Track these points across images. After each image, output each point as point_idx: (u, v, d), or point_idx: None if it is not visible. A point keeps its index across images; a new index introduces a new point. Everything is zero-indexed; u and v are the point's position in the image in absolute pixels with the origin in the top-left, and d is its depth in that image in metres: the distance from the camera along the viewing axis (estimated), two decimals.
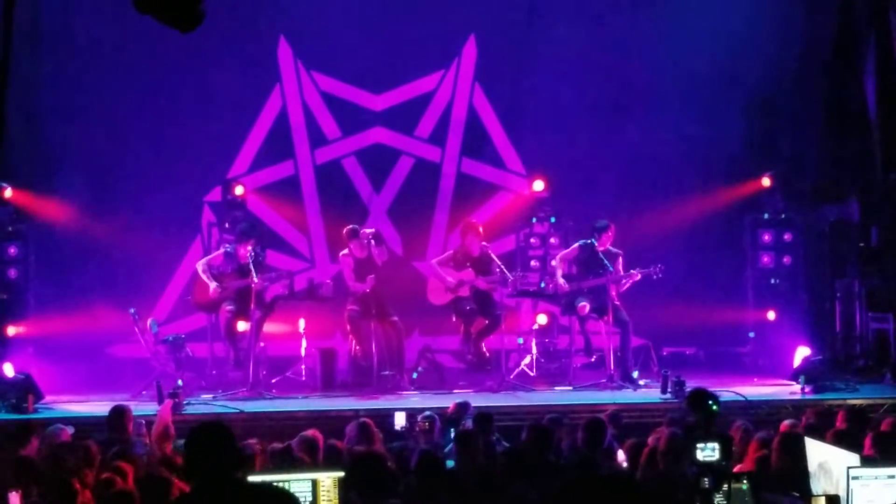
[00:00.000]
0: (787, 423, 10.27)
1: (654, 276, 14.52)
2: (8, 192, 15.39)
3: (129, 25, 13.59)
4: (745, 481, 6.88)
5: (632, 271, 14.54)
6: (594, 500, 4.26)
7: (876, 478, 7.17)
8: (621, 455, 9.58)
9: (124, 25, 14.77)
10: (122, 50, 16.06)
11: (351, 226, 14.90)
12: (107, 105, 16.30)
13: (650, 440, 9.51)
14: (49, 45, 16.27)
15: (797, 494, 7.84)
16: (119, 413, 10.55)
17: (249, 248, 14.26)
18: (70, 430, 10.35)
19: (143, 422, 10.92)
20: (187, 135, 16.57)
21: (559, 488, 4.37)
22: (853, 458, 7.46)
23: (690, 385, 13.18)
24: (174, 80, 16.56)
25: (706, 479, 6.53)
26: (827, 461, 7.72)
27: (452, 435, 10.37)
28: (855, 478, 7.14)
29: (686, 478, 7.12)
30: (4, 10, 4.86)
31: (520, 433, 9.98)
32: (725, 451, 6.62)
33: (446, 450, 10.04)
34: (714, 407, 6.92)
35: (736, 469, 8.02)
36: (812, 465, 7.94)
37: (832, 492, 7.43)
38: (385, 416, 11.51)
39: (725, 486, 6.59)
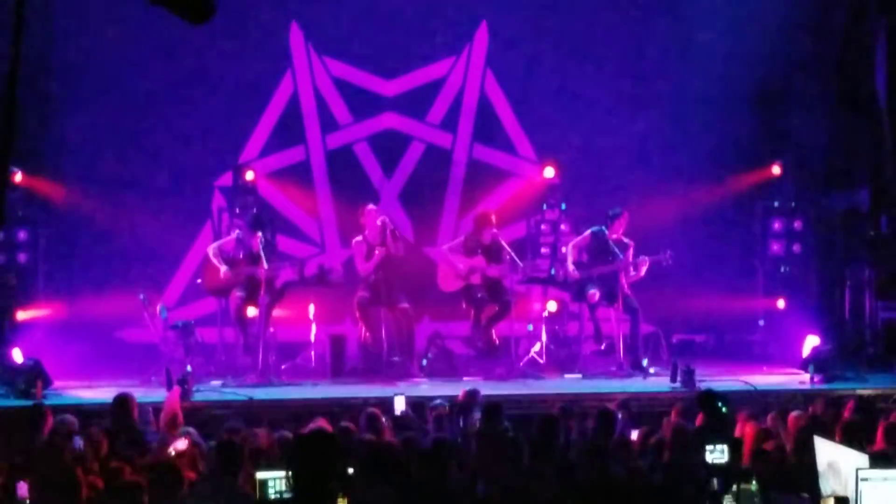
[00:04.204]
0: (794, 415, 10.17)
1: (664, 263, 14.48)
2: (18, 177, 15.31)
3: (140, 12, 13.53)
4: (753, 482, 6.84)
5: (641, 257, 14.53)
6: None
7: (885, 479, 7.09)
8: (635, 435, 9.46)
9: (136, 11, 14.72)
10: (134, 34, 15.92)
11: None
12: (118, 89, 16.22)
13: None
14: (60, 29, 16.19)
15: (807, 495, 7.79)
16: (122, 401, 10.36)
17: (260, 235, 14.23)
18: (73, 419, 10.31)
19: (150, 409, 10.90)
20: (198, 120, 16.58)
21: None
22: (862, 459, 7.38)
23: (700, 373, 13.24)
24: (185, 65, 16.51)
25: (715, 481, 6.51)
26: (836, 461, 7.62)
27: (461, 424, 10.35)
28: (864, 479, 7.07)
29: (693, 471, 7.09)
30: None
31: (529, 422, 9.93)
32: (734, 453, 6.60)
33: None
34: (723, 409, 6.90)
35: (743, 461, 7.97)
36: (821, 464, 7.84)
37: (841, 492, 7.35)
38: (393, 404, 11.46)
39: (735, 488, 6.56)
